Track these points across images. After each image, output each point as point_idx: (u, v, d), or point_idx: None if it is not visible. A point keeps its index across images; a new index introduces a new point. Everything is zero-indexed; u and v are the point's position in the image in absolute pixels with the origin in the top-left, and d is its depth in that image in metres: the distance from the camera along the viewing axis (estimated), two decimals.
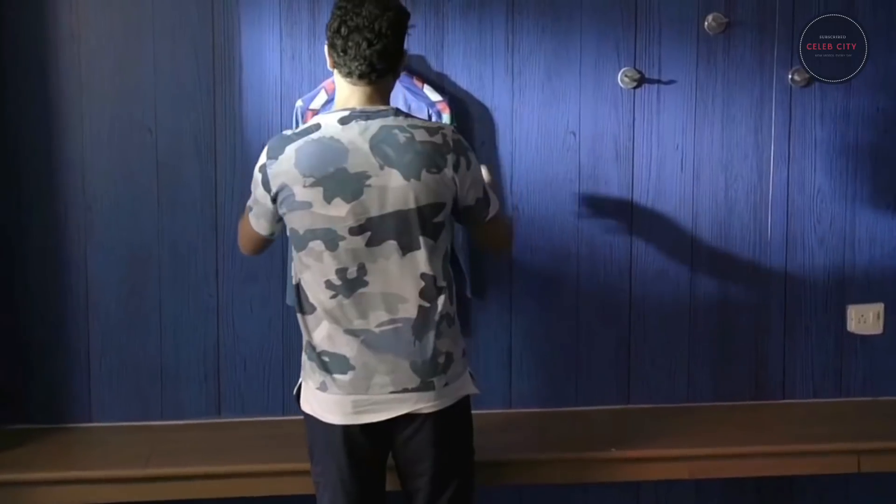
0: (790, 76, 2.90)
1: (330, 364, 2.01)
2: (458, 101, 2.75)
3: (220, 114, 2.73)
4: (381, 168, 1.87)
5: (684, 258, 2.94)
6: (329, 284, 1.96)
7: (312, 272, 1.98)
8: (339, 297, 1.95)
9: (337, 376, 2.01)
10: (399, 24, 1.90)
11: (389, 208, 1.88)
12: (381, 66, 1.88)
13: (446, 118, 2.71)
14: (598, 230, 2.92)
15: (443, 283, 1.96)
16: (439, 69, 2.77)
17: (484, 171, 2.10)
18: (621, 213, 2.91)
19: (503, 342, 2.91)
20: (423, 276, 1.91)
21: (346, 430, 2.01)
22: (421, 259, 1.91)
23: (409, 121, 1.93)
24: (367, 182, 1.87)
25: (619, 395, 2.98)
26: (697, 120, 2.89)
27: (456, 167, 1.89)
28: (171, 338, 2.80)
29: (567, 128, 2.87)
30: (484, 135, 2.82)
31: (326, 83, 2.68)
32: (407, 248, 1.91)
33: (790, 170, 2.94)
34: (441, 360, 1.95)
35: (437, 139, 1.89)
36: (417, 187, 1.87)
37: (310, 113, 2.66)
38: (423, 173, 1.87)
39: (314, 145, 1.93)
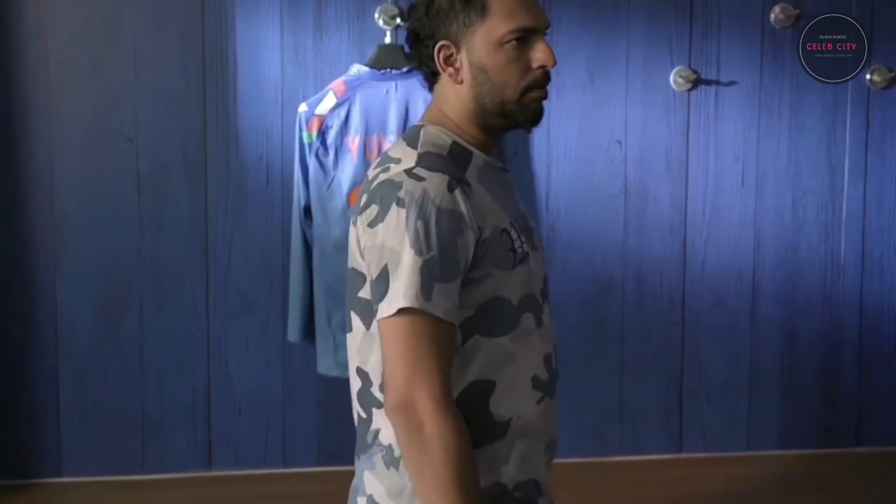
0: (868, 77, 2.77)
1: None
2: None
3: (212, 120, 2.62)
4: None
5: (744, 285, 2.82)
6: None
7: None
8: None
9: None
10: (418, 8, 1.42)
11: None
12: (421, 70, 1.48)
13: None
14: (646, 253, 2.77)
15: (382, 397, 1.38)
16: None
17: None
18: (673, 233, 2.77)
19: None
20: (357, 371, 1.44)
21: None
22: (353, 344, 1.45)
23: (395, 145, 1.44)
24: None
25: (671, 443, 2.84)
26: (761, 127, 2.78)
27: (357, 219, 1.37)
28: (153, 379, 2.67)
29: (611, 136, 2.74)
30: (516, 144, 2.68)
31: (335, 84, 2.54)
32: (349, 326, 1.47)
33: (867, 185, 2.82)
34: (361, 502, 1.44)
35: (372, 173, 1.39)
36: (350, 242, 1.44)
37: (315, 119, 2.53)
38: (350, 225, 1.44)
39: None
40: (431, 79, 1.44)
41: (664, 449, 2.82)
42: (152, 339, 2.65)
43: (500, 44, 1.36)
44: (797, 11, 2.69)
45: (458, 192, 1.31)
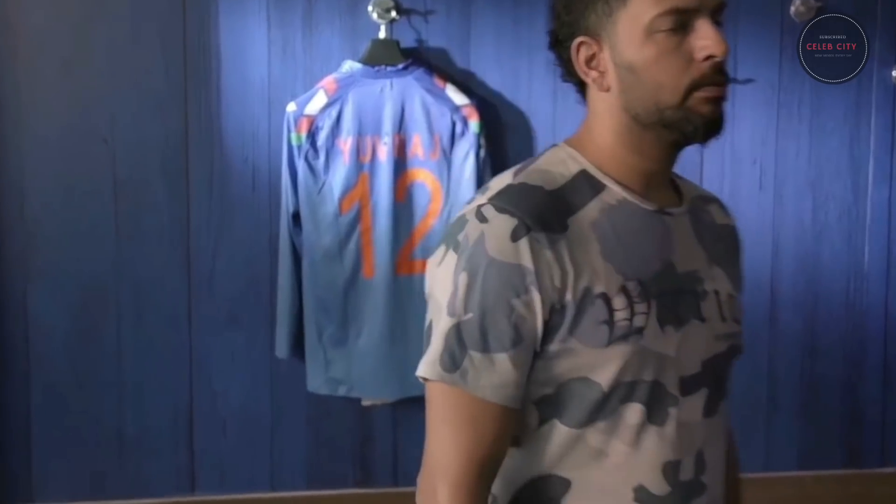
0: (895, 74, 2.73)
1: None
2: (488, 105, 2.59)
3: (194, 121, 2.58)
4: None
5: (762, 295, 2.77)
6: None
7: None
8: None
9: None
10: (556, 4, 1.22)
11: None
12: (570, 82, 1.24)
13: (474, 126, 2.52)
14: None
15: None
16: (465, 66, 2.61)
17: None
18: None
19: None
20: None
21: None
22: None
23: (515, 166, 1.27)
24: None
25: None
26: (780, 128, 2.74)
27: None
28: (132, 396, 2.63)
29: None
30: (519, 145, 2.64)
31: (325, 82, 2.51)
32: None
33: (892, 188, 2.79)
34: None
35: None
36: None
37: (305, 119, 2.49)
38: None
39: None
40: (582, 90, 1.21)
41: None
42: (131, 353, 2.60)
43: (650, 32, 1.10)
44: (819, 4, 2.64)
45: (524, 242, 1.07)
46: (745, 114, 2.70)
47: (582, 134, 1.20)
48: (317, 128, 2.46)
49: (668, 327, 1.12)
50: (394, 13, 2.48)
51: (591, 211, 1.12)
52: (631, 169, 1.16)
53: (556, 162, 1.16)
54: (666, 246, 1.16)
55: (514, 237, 1.07)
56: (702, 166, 2.69)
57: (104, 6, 2.53)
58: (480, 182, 2.49)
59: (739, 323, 1.22)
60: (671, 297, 1.13)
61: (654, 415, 1.12)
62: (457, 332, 1.09)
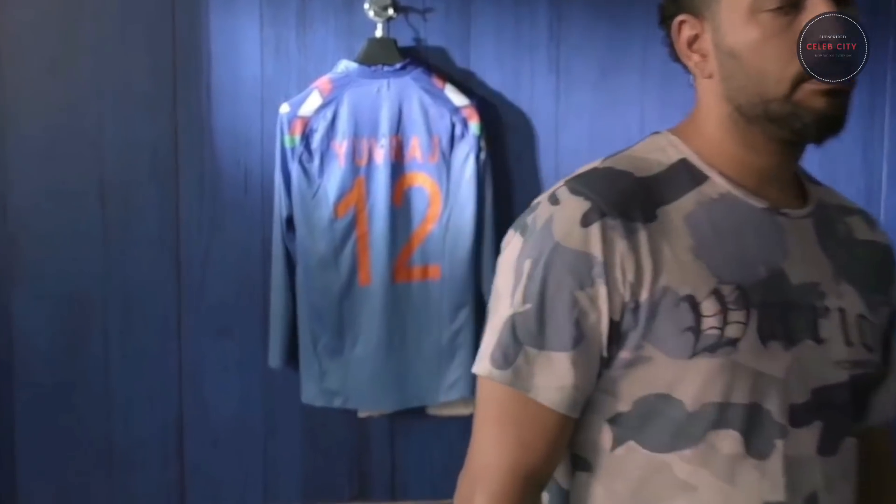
0: None
1: None
2: (489, 106, 2.56)
3: (183, 123, 2.55)
4: None
5: None
6: None
7: None
8: None
9: None
10: None
11: None
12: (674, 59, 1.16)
13: (473, 127, 2.48)
14: None
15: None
16: (465, 65, 2.58)
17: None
18: None
19: None
20: None
21: None
22: None
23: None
24: None
25: None
26: None
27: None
28: (120, 408, 2.59)
29: (627, 138, 2.57)
30: (520, 147, 2.61)
31: (320, 83, 2.47)
32: None
33: None
34: None
35: None
36: None
37: (298, 121, 2.45)
38: None
39: None
40: (693, 78, 1.12)
41: None
42: (118, 362, 2.56)
43: (753, 11, 1.00)
44: None
45: (595, 227, 0.97)
46: None
47: (688, 122, 1.11)
48: (311, 130, 2.42)
49: (774, 344, 0.99)
50: (391, 11, 2.43)
51: (686, 203, 1.02)
52: (740, 163, 1.05)
53: (654, 149, 1.08)
54: (776, 250, 1.03)
55: (585, 222, 0.98)
56: None
57: (91, 5, 2.50)
58: (481, 185, 2.45)
59: (872, 351, 1.06)
60: (780, 308, 1.00)
61: (753, 446, 0.99)
62: (512, 324, 1.00)
